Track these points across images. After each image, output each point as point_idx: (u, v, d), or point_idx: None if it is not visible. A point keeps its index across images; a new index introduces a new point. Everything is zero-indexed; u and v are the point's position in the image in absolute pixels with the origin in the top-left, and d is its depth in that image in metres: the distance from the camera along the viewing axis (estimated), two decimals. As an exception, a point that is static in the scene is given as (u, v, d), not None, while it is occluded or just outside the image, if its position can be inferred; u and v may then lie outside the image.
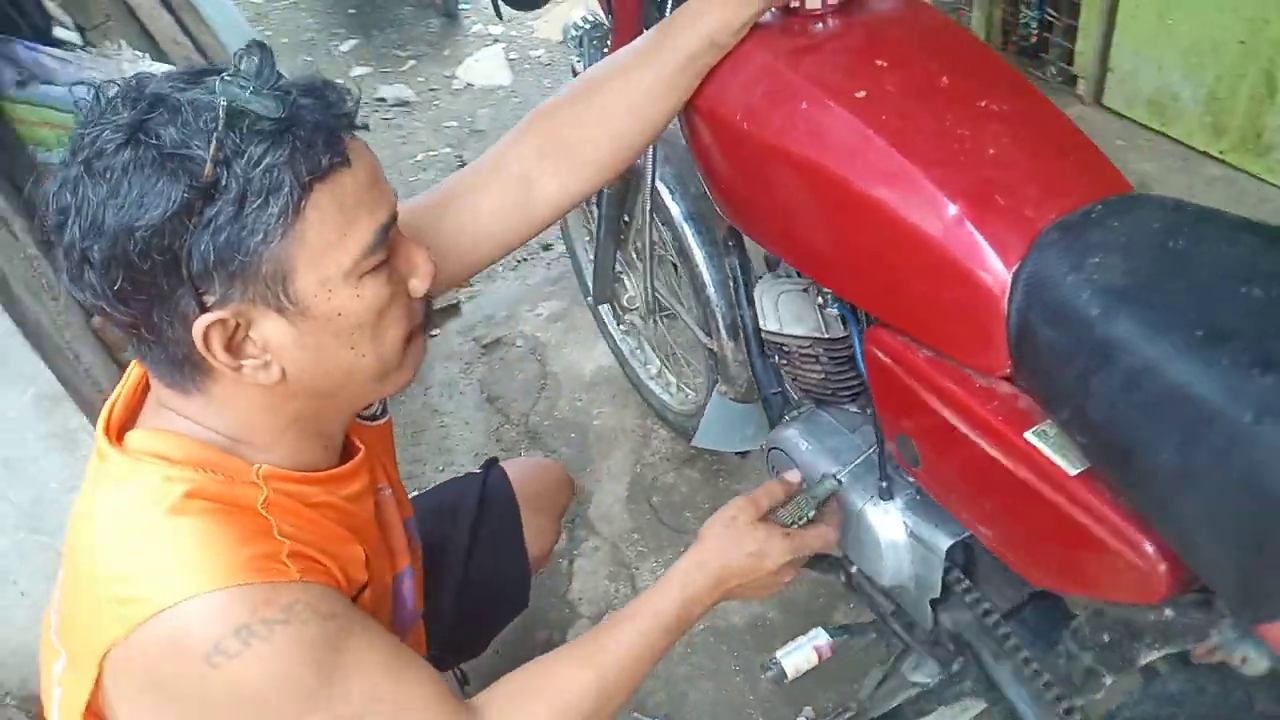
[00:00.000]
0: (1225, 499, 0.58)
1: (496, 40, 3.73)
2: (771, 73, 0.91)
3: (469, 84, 3.48)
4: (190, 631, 0.69)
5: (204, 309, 0.69)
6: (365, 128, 0.75)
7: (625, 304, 1.74)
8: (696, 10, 0.93)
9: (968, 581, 1.00)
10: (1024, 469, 0.77)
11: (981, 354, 0.79)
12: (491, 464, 1.44)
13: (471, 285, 2.62)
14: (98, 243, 0.65)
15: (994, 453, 0.79)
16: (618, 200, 1.46)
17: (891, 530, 1.02)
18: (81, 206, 0.65)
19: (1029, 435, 0.76)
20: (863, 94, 0.85)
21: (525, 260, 2.63)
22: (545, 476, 1.48)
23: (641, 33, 1.03)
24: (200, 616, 0.69)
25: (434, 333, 2.42)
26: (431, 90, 3.49)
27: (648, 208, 1.40)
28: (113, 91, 0.67)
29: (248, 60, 0.66)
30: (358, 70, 3.68)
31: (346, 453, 0.91)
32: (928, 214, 0.78)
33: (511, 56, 3.62)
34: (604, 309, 1.88)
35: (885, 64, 0.87)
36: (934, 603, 1.05)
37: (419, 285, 0.79)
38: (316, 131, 0.68)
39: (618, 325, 1.93)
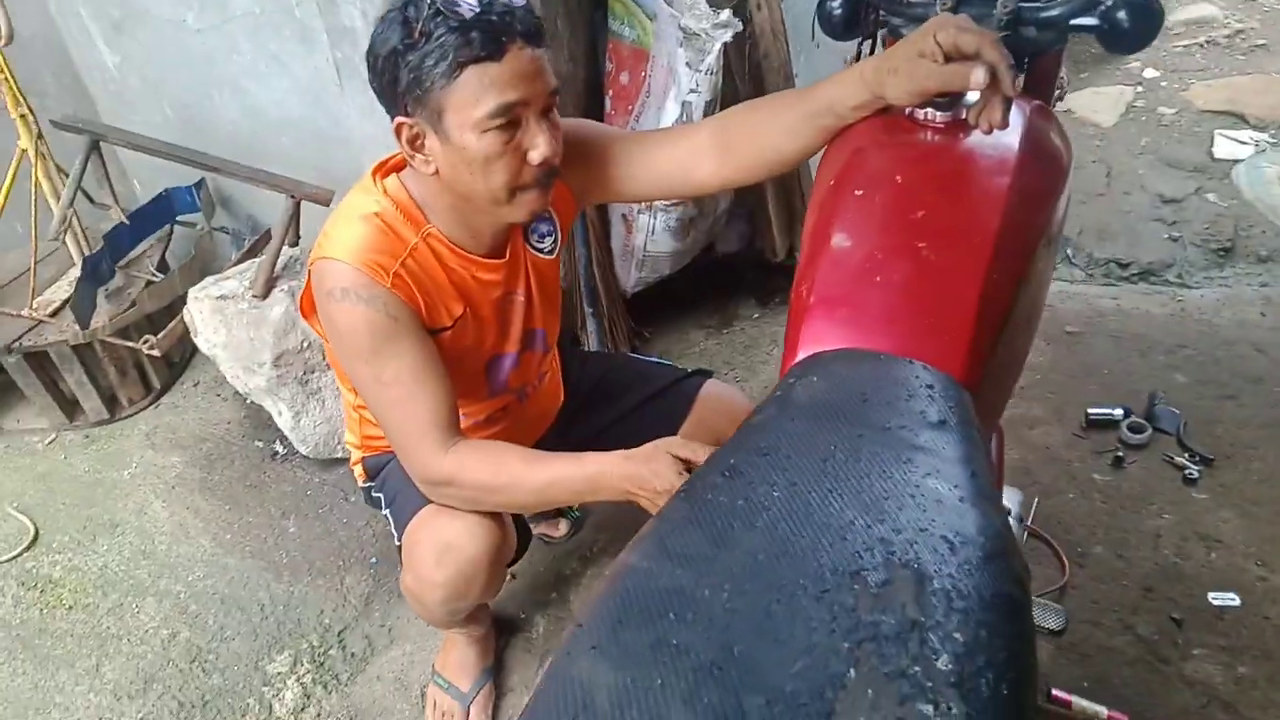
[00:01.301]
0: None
1: (1137, 85, 3.56)
2: (854, 148, 1.08)
3: (1069, 109, 3.44)
4: (325, 275, 1.23)
5: (405, 114, 1.17)
6: (538, 45, 1.12)
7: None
8: (831, 82, 1.12)
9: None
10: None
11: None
12: (701, 373, 1.77)
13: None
14: (368, 54, 1.15)
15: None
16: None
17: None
18: (373, 33, 1.16)
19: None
20: (860, 193, 1.00)
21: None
22: (728, 410, 1.75)
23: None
24: (331, 270, 1.22)
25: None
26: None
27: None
28: None
29: None
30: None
31: (500, 253, 1.36)
32: (808, 289, 0.95)
33: (1136, 104, 3.45)
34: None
35: (900, 180, 1.00)
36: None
37: (534, 155, 1.15)
38: (485, 34, 1.07)
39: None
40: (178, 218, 2.52)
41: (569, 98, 2.30)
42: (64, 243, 2.33)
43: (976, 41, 0.96)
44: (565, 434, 1.70)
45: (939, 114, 1.04)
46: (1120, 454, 2.02)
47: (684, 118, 2.14)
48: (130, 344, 2.23)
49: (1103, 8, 1.04)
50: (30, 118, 2.12)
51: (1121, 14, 1.03)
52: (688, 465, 1.15)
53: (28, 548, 2.10)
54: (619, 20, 2.29)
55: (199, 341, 2.09)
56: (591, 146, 1.34)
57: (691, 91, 2.09)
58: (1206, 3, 3.42)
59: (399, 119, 1.16)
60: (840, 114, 1.11)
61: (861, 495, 0.68)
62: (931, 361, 0.86)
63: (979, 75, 0.95)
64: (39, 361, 2.25)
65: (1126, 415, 2.10)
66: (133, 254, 2.44)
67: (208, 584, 2.00)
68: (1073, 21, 1.07)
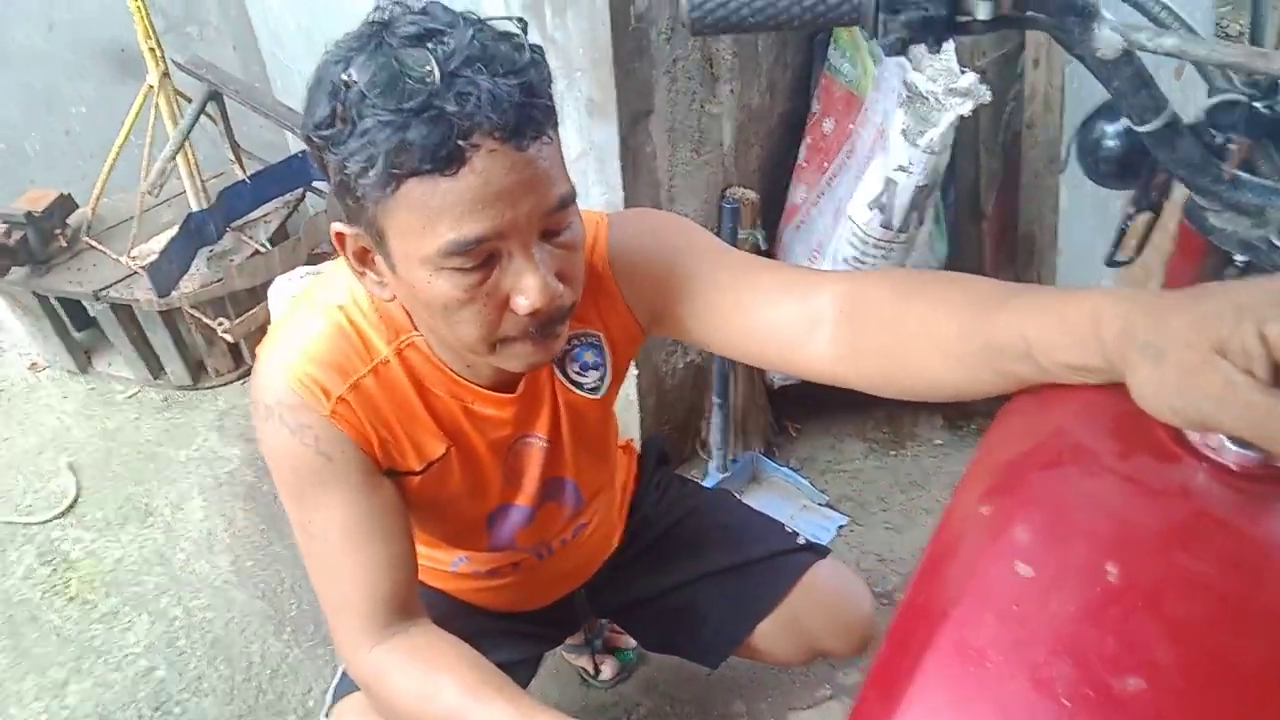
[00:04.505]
0: None
1: None
2: (1046, 451, 0.59)
3: None
4: (257, 380, 0.87)
5: (344, 220, 0.77)
6: (531, 138, 0.69)
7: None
8: (1046, 308, 0.62)
9: None
10: None
11: None
12: (815, 550, 1.30)
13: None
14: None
15: None
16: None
17: None
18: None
19: None
20: (1025, 571, 0.51)
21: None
22: (833, 610, 1.27)
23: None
24: (262, 379, 0.87)
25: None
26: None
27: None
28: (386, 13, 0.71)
29: (459, 33, 0.67)
30: None
31: (510, 385, 0.95)
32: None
33: None
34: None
35: (1113, 574, 0.50)
36: None
37: (520, 304, 0.75)
38: (432, 132, 0.66)
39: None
40: (314, 184, 2.28)
41: (755, 137, 1.84)
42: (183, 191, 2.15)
43: None
44: (599, 595, 1.30)
45: (1237, 450, 0.52)
46: None
47: (884, 199, 1.63)
48: (208, 321, 2.02)
49: None
50: (159, 52, 1.91)
51: None
52: None
53: (62, 514, 1.95)
54: (840, 52, 1.79)
55: (277, 334, 1.86)
56: (662, 268, 0.91)
57: (900, 169, 1.57)
58: None
59: (335, 226, 0.79)
60: (1044, 367, 0.62)
61: None
62: None
63: None
64: (128, 314, 2.09)
65: None
66: (252, 216, 2.23)
67: (206, 616, 1.75)
68: None
